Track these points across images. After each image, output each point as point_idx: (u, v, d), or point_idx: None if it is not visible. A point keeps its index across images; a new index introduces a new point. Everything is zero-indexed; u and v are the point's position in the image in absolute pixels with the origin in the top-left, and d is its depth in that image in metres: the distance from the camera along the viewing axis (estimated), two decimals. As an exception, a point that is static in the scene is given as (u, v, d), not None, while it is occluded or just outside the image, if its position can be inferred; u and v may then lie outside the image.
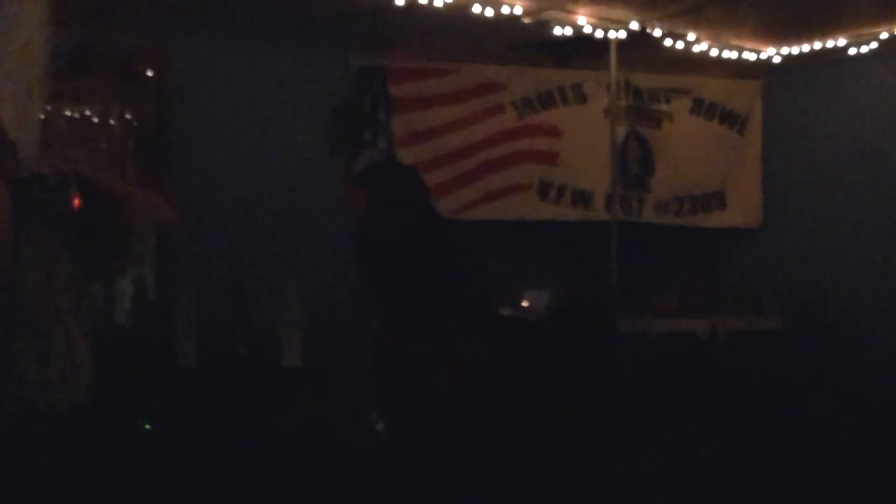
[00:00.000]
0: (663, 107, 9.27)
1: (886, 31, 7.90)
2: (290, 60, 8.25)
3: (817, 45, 8.38)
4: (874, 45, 8.11)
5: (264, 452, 6.01)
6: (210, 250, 7.74)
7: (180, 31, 7.70)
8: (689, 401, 7.65)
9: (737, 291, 8.98)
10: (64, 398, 3.60)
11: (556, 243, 9.11)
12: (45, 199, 3.70)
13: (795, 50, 8.53)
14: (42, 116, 7.41)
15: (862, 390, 8.04)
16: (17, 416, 3.56)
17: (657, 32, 7.95)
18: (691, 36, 8.16)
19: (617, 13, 7.67)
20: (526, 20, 7.52)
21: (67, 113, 7.73)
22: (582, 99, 9.03)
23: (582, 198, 9.07)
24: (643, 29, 7.88)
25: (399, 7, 7.02)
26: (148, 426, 4.19)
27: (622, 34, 7.97)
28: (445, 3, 7.04)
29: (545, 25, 7.65)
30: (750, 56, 8.63)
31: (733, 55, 8.54)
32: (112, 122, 7.93)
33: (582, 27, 7.75)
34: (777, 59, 8.69)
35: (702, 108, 9.36)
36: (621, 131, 8.94)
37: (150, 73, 7.91)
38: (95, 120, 7.85)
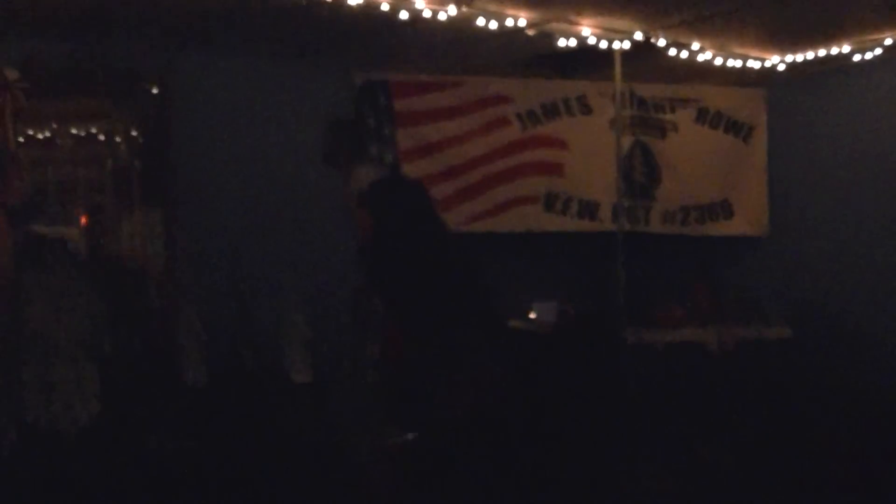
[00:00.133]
0: (668, 116, 9.26)
1: (890, 37, 7.88)
2: (294, 76, 8.28)
3: (822, 53, 8.36)
4: (878, 51, 8.09)
5: (271, 468, 6.00)
6: (215, 265, 7.75)
7: (184, 48, 7.72)
8: (696, 411, 7.64)
9: (743, 301, 8.96)
10: (68, 422, 3.60)
11: (563, 255, 9.11)
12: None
13: (800, 58, 8.51)
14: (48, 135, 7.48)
15: (869, 398, 8.02)
16: (20, 440, 3.56)
17: (661, 42, 7.95)
18: (695, 45, 8.15)
19: (621, 24, 7.66)
20: (530, 32, 7.52)
21: (73, 131, 7.75)
22: (587, 110, 9.02)
23: (588, 209, 9.06)
24: (647, 39, 7.87)
25: (402, 21, 7.01)
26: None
27: (626, 45, 7.96)
28: (449, 17, 7.04)
29: (549, 37, 7.64)
30: (754, 64, 8.61)
31: (738, 64, 8.53)
32: (117, 138, 7.95)
33: (586, 38, 7.74)
34: (781, 67, 8.67)
35: (707, 117, 9.35)
36: (626, 142, 8.92)
37: (154, 90, 7.92)
38: (101, 138, 7.87)
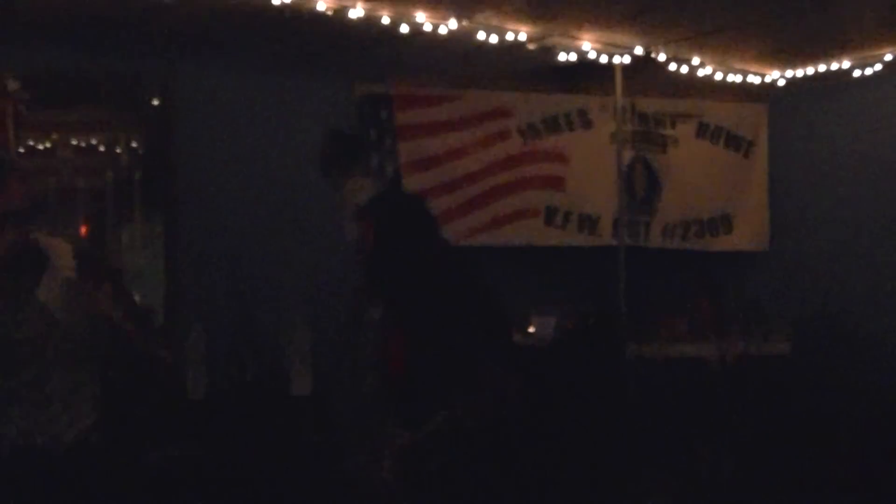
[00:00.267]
0: (669, 131, 9.26)
1: (890, 52, 7.90)
2: (295, 88, 8.29)
3: (822, 68, 8.38)
4: (879, 67, 8.10)
5: (271, 475, 6.00)
6: (217, 273, 7.76)
7: (186, 59, 7.74)
8: (696, 424, 7.63)
9: (745, 315, 8.95)
10: (63, 436, 3.58)
11: (564, 269, 9.10)
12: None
13: (800, 73, 8.53)
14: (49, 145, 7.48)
15: (871, 407, 8.01)
16: (13, 455, 3.54)
17: (662, 57, 7.96)
18: (696, 60, 8.17)
19: (622, 38, 7.68)
20: (531, 46, 7.53)
21: (73, 142, 7.76)
22: (588, 124, 9.02)
23: (588, 223, 9.06)
24: (648, 53, 7.89)
25: (403, 35, 7.03)
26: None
27: (627, 59, 7.98)
28: (450, 31, 7.05)
29: (550, 51, 7.66)
30: (755, 79, 8.63)
31: (738, 79, 8.55)
32: (118, 149, 7.96)
33: (587, 52, 7.75)
34: (782, 83, 8.69)
35: (707, 131, 9.36)
36: (627, 156, 8.91)
37: (155, 101, 7.94)
38: (102, 148, 7.88)
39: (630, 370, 8.09)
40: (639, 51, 7.85)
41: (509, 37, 7.28)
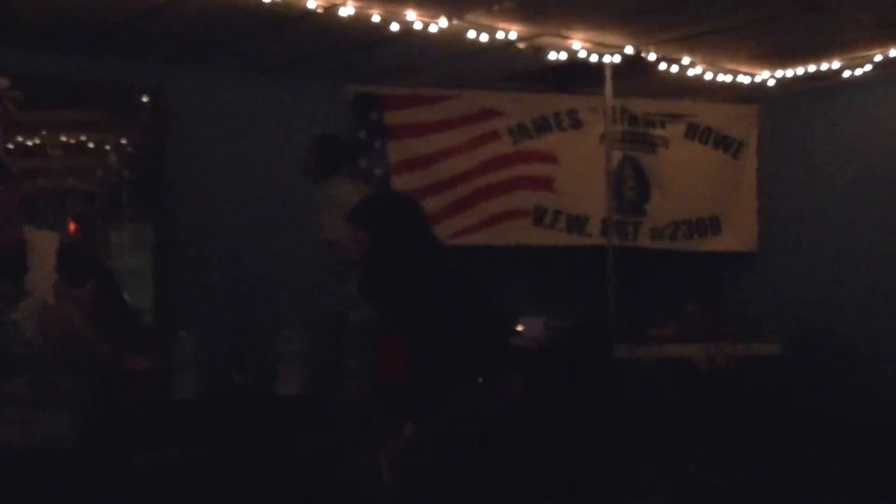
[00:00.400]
0: (658, 132, 9.26)
1: (881, 53, 7.90)
2: (286, 89, 8.30)
3: (812, 69, 8.38)
4: (868, 68, 8.11)
5: (264, 479, 5.97)
6: (209, 280, 7.76)
7: (178, 61, 7.73)
8: (688, 427, 7.63)
9: (735, 318, 8.95)
10: (34, 440, 3.54)
11: (552, 269, 9.10)
12: None
13: (790, 73, 8.53)
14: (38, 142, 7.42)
15: (860, 414, 8.02)
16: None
17: (652, 57, 7.96)
18: (686, 60, 8.17)
19: (612, 38, 7.67)
20: (521, 46, 7.54)
21: (63, 140, 7.72)
22: (577, 125, 9.02)
23: (577, 223, 9.05)
24: (638, 54, 7.88)
25: (394, 34, 7.02)
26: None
27: (617, 59, 7.97)
28: (440, 29, 7.04)
29: (540, 51, 7.66)
30: (744, 80, 8.64)
31: (728, 79, 8.55)
32: (108, 149, 7.93)
33: (577, 52, 7.75)
34: (771, 83, 8.69)
35: (697, 132, 9.35)
36: (617, 156, 8.91)
37: (147, 102, 7.91)
38: (92, 147, 7.85)
39: (619, 372, 8.08)
40: (629, 51, 7.85)
41: (500, 36, 7.28)
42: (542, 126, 8.94)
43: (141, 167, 7.98)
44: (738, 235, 9.51)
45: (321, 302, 7.39)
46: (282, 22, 6.85)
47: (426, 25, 6.99)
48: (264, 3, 6.42)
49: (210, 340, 6.90)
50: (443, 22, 7.00)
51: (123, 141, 7.98)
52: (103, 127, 7.87)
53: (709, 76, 8.42)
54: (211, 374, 6.82)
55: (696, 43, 7.73)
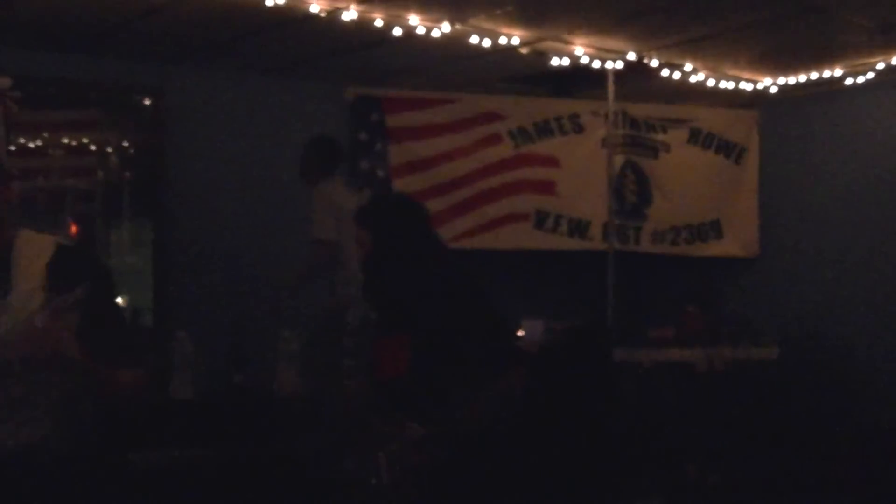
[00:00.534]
0: (660, 137, 9.26)
1: (883, 61, 7.90)
2: (287, 91, 8.30)
3: (814, 76, 8.39)
4: (871, 75, 8.12)
5: (262, 481, 5.98)
6: (208, 281, 7.76)
7: (179, 62, 7.73)
8: (687, 430, 7.63)
9: (734, 322, 8.95)
10: (6, 443, 3.51)
11: (553, 273, 9.10)
12: None
13: (792, 80, 8.54)
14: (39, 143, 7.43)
15: (859, 418, 8.02)
16: None
17: (654, 62, 7.96)
18: (688, 66, 8.17)
19: (614, 44, 7.67)
20: (523, 51, 7.54)
21: (64, 140, 7.74)
22: (579, 129, 9.02)
23: (578, 227, 9.05)
24: (640, 59, 7.88)
25: (396, 38, 7.02)
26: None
27: (619, 65, 7.97)
28: (443, 34, 7.04)
29: (543, 56, 7.66)
30: (746, 86, 8.64)
31: (730, 85, 8.55)
32: (108, 149, 7.94)
33: (579, 58, 7.75)
34: (774, 90, 8.70)
35: (699, 138, 9.35)
36: (618, 161, 8.92)
37: (146, 103, 7.92)
38: (93, 148, 7.86)
39: (618, 374, 8.08)
40: (631, 56, 7.85)
41: (502, 41, 7.28)
42: (544, 130, 8.95)
43: (141, 167, 7.99)
44: (739, 240, 9.51)
45: (324, 301, 7.40)
46: (282, 23, 6.85)
47: (429, 30, 6.99)
48: (265, 6, 6.41)
49: (209, 340, 6.90)
50: (445, 26, 6.99)
51: (123, 141, 7.99)
52: (103, 127, 7.87)
53: (711, 83, 8.42)
54: (210, 374, 6.82)
55: (699, 48, 7.73)
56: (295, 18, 6.73)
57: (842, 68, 8.19)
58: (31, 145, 7.54)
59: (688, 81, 8.32)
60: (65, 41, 7.26)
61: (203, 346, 6.73)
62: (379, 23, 6.80)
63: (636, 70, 8.01)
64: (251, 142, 8.18)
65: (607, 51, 7.79)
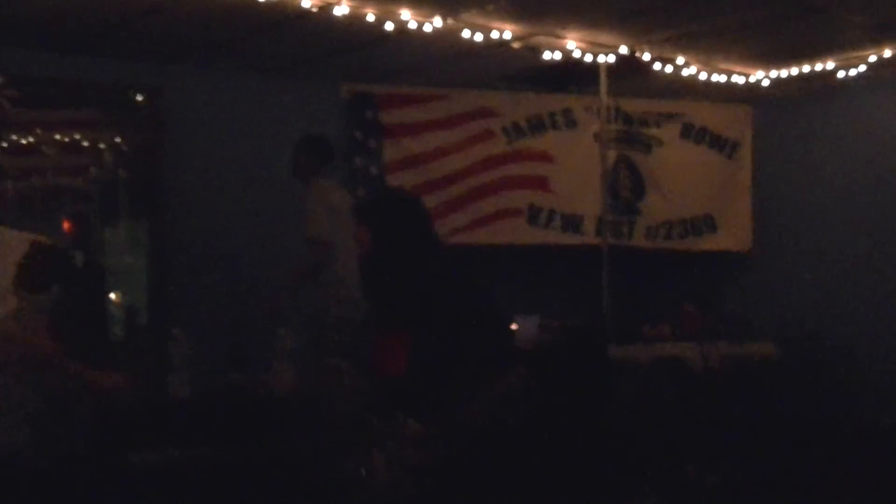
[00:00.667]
0: (653, 132, 9.28)
1: (875, 54, 7.92)
2: (282, 89, 8.30)
3: (806, 69, 8.40)
4: (863, 68, 8.13)
5: (261, 480, 5.97)
6: (204, 279, 7.75)
7: (175, 60, 7.73)
8: (683, 427, 7.63)
9: (729, 317, 8.95)
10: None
11: (547, 268, 9.10)
12: None
13: (784, 73, 8.54)
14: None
15: (855, 416, 8.03)
16: None
17: (646, 57, 7.97)
18: (681, 60, 8.18)
19: (606, 38, 7.68)
20: (515, 45, 7.55)
21: (57, 138, 7.72)
22: (572, 124, 9.03)
23: (572, 223, 9.06)
24: (632, 53, 7.89)
25: (389, 34, 7.02)
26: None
27: (611, 59, 7.98)
28: (435, 29, 7.05)
29: (535, 51, 7.67)
30: (739, 79, 8.65)
31: (722, 79, 8.56)
32: (102, 147, 7.93)
33: (571, 52, 7.76)
34: (766, 83, 8.70)
35: (692, 132, 9.37)
36: (611, 156, 8.93)
37: (142, 100, 7.91)
38: (86, 145, 7.84)
39: (614, 371, 8.08)
40: (623, 50, 7.85)
41: (494, 35, 7.28)
42: (537, 125, 8.95)
43: (137, 166, 7.98)
44: (732, 235, 9.52)
45: (312, 301, 7.39)
46: (278, 22, 6.86)
47: (420, 25, 7.00)
48: (259, 3, 6.42)
49: (206, 339, 6.89)
50: (437, 21, 7.01)
51: (119, 140, 7.98)
52: (100, 126, 7.87)
53: (703, 76, 8.43)
54: (207, 372, 6.81)
55: (691, 42, 7.75)
56: (289, 16, 6.73)
57: (834, 62, 8.20)
58: (26, 143, 7.53)
59: (680, 76, 8.34)
60: (64, 41, 7.26)
61: (202, 346, 6.72)
62: (371, 17, 6.81)
63: (628, 64, 8.02)
64: (250, 141, 8.18)
65: (599, 45, 7.80)
